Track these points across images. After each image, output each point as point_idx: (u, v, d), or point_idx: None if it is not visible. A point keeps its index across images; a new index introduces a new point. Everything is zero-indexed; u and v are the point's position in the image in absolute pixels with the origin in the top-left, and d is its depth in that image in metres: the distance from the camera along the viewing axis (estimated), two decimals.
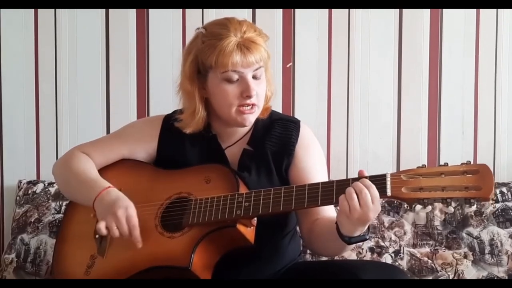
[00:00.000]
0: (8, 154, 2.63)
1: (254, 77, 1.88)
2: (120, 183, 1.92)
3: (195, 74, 1.92)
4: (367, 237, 1.74)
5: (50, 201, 2.48)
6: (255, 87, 1.87)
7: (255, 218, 1.78)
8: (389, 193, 1.65)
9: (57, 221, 2.41)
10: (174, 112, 2.02)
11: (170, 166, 1.95)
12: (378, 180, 1.68)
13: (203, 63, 1.89)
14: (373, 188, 1.66)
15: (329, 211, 1.91)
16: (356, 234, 1.71)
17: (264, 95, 1.93)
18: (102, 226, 1.81)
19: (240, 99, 1.88)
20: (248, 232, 1.78)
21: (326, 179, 1.99)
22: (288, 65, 2.55)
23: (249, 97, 1.87)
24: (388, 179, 1.67)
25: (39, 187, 2.51)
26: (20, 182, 2.55)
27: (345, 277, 1.74)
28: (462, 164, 1.63)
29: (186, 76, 1.92)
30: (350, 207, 1.65)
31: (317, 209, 1.90)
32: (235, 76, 1.86)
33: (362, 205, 1.65)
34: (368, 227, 1.73)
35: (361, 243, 2.26)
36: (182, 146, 1.98)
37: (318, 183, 1.75)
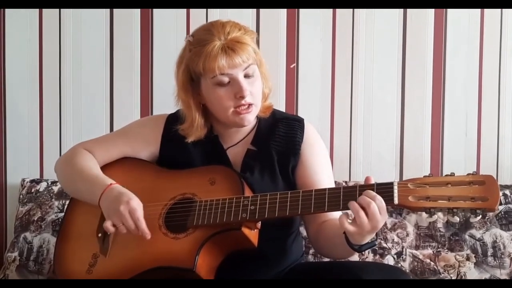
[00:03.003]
0: (12, 152, 2.63)
1: (246, 75, 1.87)
2: (124, 182, 1.91)
3: (188, 83, 1.92)
4: (376, 243, 1.74)
5: (53, 199, 2.47)
6: (248, 87, 1.86)
7: (260, 222, 1.77)
8: (396, 201, 1.65)
9: (60, 219, 2.40)
10: (178, 111, 2.01)
11: (173, 167, 1.94)
12: (385, 188, 1.67)
13: (194, 71, 1.89)
14: (379, 199, 1.65)
15: (337, 213, 1.89)
16: (364, 242, 1.71)
17: (261, 92, 1.92)
18: (108, 224, 1.82)
19: (235, 101, 1.87)
20: (252, 234, 1.77)
21: (331, 178, 2.00)
22: (291, 66, 2.54)
23: (243, 97, 1.86)
24: (395, 187, 1.66)
25: (42, 186, 2.50)
26: (23, 180, 2.54)
27: (347, 278, 1.74)
28: (468, 174, 1.63)
29: (180, 86, 1.93)
30: (359, 226, 1.65)
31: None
32: (225, 79, 1.86)
33: (371, 218, 1.64)
34: (376, 234, 1.72)
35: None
36: (184, 147, 1.97)
37: (324, 189, 1.75)
